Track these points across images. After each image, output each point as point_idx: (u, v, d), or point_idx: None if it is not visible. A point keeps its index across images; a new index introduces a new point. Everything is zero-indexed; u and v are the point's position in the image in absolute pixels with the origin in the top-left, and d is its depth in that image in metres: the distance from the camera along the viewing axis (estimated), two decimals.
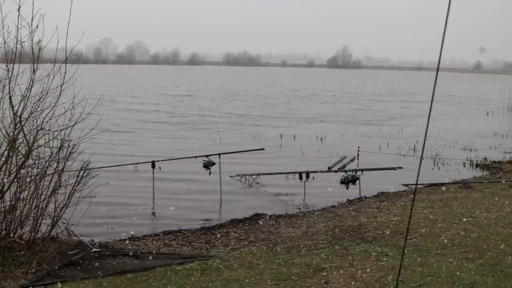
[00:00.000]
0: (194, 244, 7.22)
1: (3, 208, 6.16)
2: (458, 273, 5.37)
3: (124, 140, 17.79)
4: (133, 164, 10.88)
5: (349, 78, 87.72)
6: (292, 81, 69.85)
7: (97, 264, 5.95)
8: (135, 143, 17.30)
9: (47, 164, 6.42)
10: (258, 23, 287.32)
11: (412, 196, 9.90)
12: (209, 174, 10.84)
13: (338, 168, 12.27)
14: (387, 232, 7.14)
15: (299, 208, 9.90)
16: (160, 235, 7.89)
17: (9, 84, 6.08)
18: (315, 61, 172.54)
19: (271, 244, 6.93)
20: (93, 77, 50.67)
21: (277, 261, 6.03)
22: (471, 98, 44.76)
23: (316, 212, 9.16)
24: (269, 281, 5.35)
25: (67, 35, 6.38)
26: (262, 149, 12.59)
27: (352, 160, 13.81)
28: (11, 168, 6.18)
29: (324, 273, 5.56)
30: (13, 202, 6.18)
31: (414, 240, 6.65)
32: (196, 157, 10.97)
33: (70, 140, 6.53)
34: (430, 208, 8.52)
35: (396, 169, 10.78)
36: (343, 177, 10.09)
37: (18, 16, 5.83)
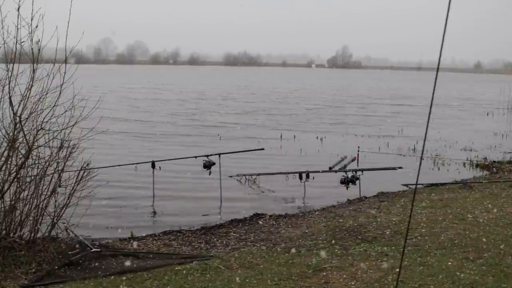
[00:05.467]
0: (194, 244, 7.22)
1: (3, 208, 6.16)
2: (458, 273, 5.37)
3: (124, 140, 17.80)
4: (133, 164, 10.86)
5: (347, 78, 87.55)
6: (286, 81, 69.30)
7: (97, 264, 5.95)
8: (135, 144, 17.30)
9: (47, 164, 6.41)
10: (258, 23, 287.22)
11: (412, 196, 9.90)
12: (209, 174, 10.84)
13: (339, 168, 12.27)
14: (387, 232, 7.14)
15: (299, 208, 9.90)
16: (160, 235, 7.89)
17: (9, 84, 6.07)
18: (315, 61, 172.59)
19: (271, 244, 6.93)
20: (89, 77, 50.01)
21: (277, 261, 6.03)
22: (471, 98, 44.76)
23: (316, 212, 9.16)
24: (269, 281, 5.35)
25: (66, 35, 6.40)
26: (262, 149, 12.59)
27: (352, 160, 13.81)
28: (11, 168, 6.18)
29: (324, 273, 5.56)
30: (13, 202, 6.18)
31: (414, 240, 6.65)
32: (196, 157, 10.96)
33: (70, 140, 6.52)
34: (430, 208, 8.52)
35: (396, 169, 10.79)
36: (343, 177, 10.09)
37: (18, 16, 5.83)
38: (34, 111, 6.22)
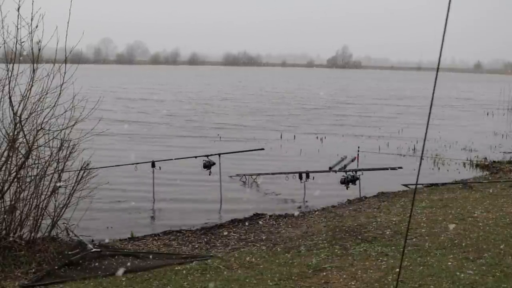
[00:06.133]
0: (194, 244, 7.22)
1: (3, 208, 6.16)
2: (458, 273, 5.37)
3: (124, 141, 17.80)
4: (133, 164, 10.86)
5: (347, 78, 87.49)
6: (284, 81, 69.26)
7: (97, 264, 5.95)
8: (135, 144, 17.29)
9: (47, 164, 6.42)
10: (257, 23, 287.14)
11: (412, 196, 9.90)
12: (209, 174, 10.84)
13: (339, 169, 12.26)
14: (387, 232, 7.14)
15: (299, 208, 9.90)
16: (160, 235, 7.89)
17: (9, 84, 6.08)
18: (315, 61, 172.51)
19: (271, 244, 6.93)
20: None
21: (277, 261, 6.03)
22: (470, 98, 44.75)
23: (316, 212, 9.16)
24: (269, 281, 5.35)
25: (66, 35, 6.40)
26: (262, 149, 12.60)
27: (352, 160, 13.81)
28: (11, 168, 6.18)
29: (324, 273, 5.55)
30: (13, 202, 6.18)
31: (414, 240, 6.65)
32: (196, 157, 10.96)
33: (70, 140, 6.53)
34: (430, 208, 8.51)
35: (396, 169, 10.78)
36: (343, 177, 10.09)
37: (18, 16, 5.84)
38: (34, 111, 6.22)
